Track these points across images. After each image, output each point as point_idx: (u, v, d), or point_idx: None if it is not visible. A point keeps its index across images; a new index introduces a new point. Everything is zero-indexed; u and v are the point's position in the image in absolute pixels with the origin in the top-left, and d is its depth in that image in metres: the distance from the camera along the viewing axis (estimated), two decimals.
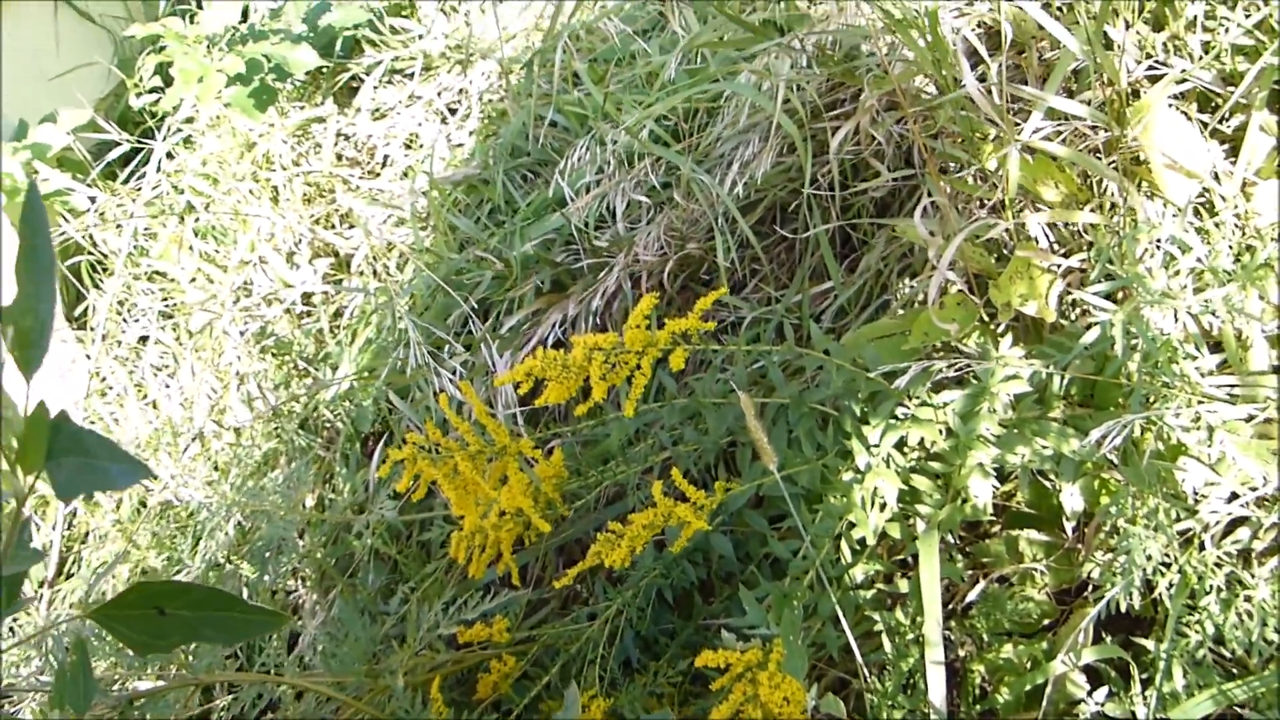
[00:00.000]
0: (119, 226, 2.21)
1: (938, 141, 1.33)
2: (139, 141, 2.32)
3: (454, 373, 1.45)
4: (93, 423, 2.05)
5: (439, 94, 2.17)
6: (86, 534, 2.00)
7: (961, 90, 1.09)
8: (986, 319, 1.30)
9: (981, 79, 1.40)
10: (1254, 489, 1.14)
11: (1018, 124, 1.21)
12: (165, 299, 2.16)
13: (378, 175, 2.18)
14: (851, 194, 1.50)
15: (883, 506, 1.24)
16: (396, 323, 1.64)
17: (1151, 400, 1.15)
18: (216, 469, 1.77)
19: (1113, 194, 1.20)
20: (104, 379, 2.12)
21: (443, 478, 1.16)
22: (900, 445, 1.27)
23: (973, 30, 1.25)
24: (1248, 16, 1.15)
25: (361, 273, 1.98)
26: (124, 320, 2.16)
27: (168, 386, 2.02)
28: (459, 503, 1.17)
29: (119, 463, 0.55)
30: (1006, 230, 1.20)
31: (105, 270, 2.27)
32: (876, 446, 1.24)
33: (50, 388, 2.24)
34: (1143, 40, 1.25)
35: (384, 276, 1.93)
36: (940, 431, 1.24)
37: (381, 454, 1.56)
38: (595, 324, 1.56)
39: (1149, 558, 1.17)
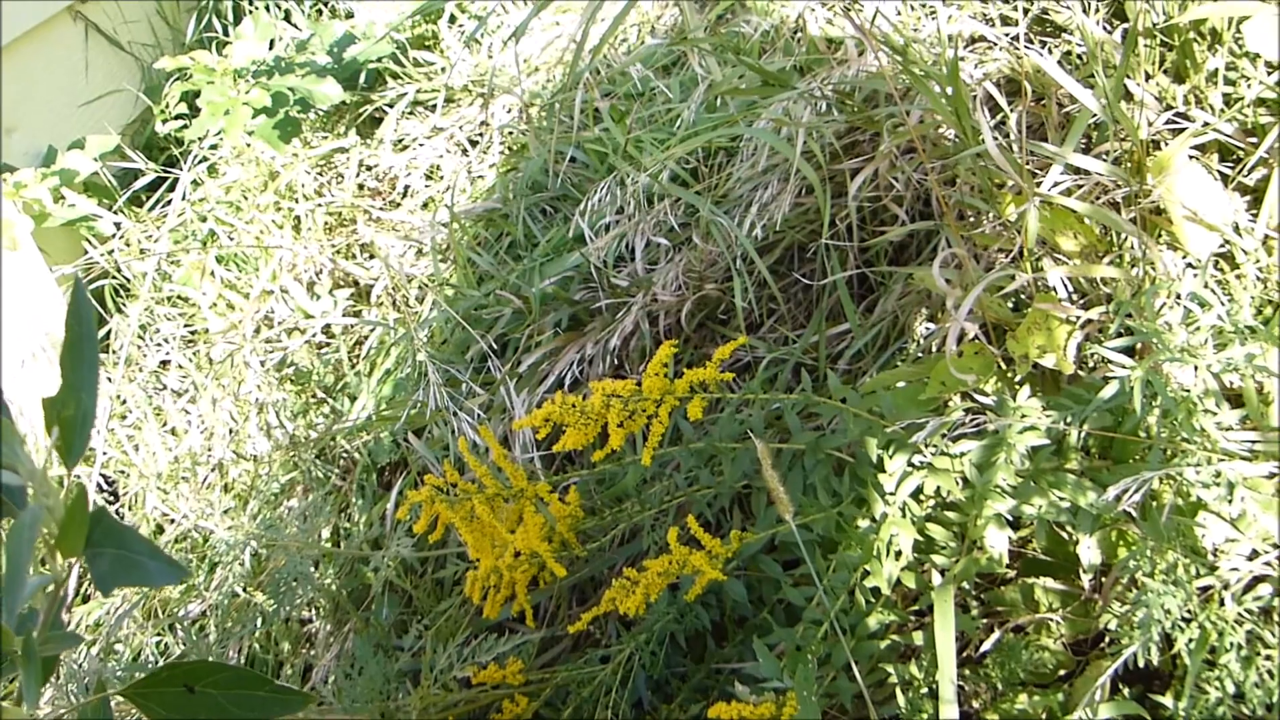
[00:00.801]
0: (143, 252, 2.24)
1: (955, 189, 1.33)
2: (164, 171, 2.35)
3: (472, 414, 1.45)
4: (108, 449, 2.07)
5: (460, 126, 2.19)
6: None
7: (980, 146, 1.10)
8: (1004, 368, 1.30)
9: (1001, 124, 1.40)
10: (1275, 546, 1.13)
11: (1036, 175, 1.21)
12: (187, 324, 2.18)
13: (398, 205, 2.19)
14: (869, 236, 1.51)
15: (898, 555, 1.23)
16: (415, 355, 1.65)
17: (1171, 455, 1.14)
18: (235, 496, 1.78)
19: (1132, 246, 1.20)
20: (124, 402, 2.14)
21: (460, 521, 1.16)
22: (916, 494, 1.27)
23: (991, 81, 1.26)
24: (1270, 73, 1.15)
25: (381, 303, 1.99)
26: (145, 344, 2.18)
27: (187, 413, 2.04)
28: (476, 546, 1.17)
29: (157, 561, 0.56)
30: (1025, 281, 1.20)
31: (129, 294, 2.30)
32: (892, 495, 1.24)
33: None
34: (1163, 91, 1.25)
35: (403, 308, 1.95)
36: (957, 481, 1.24)
37: (400, 490, 1.57)
38: (612, 363, 1.57)
39: (1168, 612, 1.16)
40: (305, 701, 0.59)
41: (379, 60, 2.30)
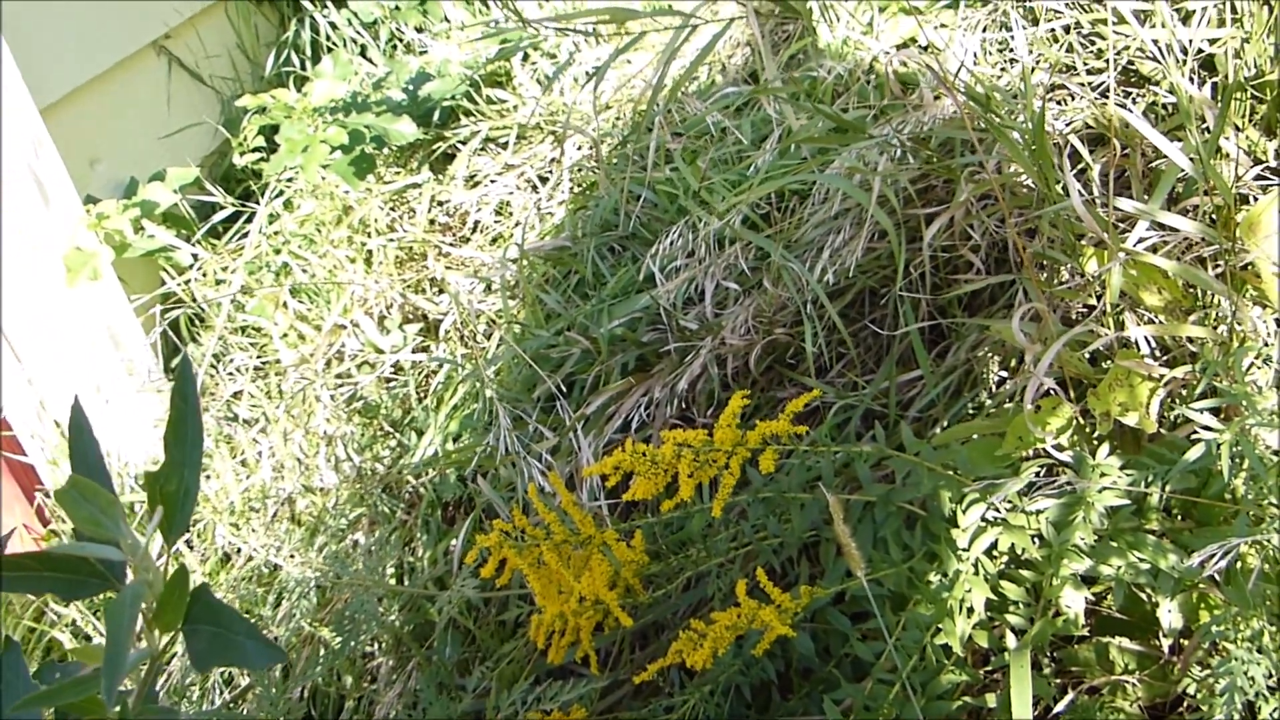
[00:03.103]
0: (219, 283, 2.29)
1: (1035, 240, 1.31)
2: (241, 205, 2.40)
3: (539, 458, 1.46)
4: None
5: (531, 164, 2.21)
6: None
7: (1065, 201, 1.08)
8: (1083, 424, 1.27)
9: (1081, 174, 1.38)
10: None
11: (1120, 228, 1.19)
12: (259, 355, 2.22)
13: (468, 241, 2.22)
14: (943, 284, 1.49)
15: (970, 613, 1.21)
16: (484, 393, 1.66)
17: (1258, 521, 1.11)
18: (303, 529, 1.81)
19: (1220, 304, 1.17)
20: None
21: (527, 567, 1.16)
22: (990, 551, 1.25)
23: (1074, 132, 1.24)
24: None
25: (449, 339, 2.01)
26: (217, 374, 2.23)
27: (257, 443, 2.08)
28: (542, 592, 1.17)
29: (254, 641, 0.57)
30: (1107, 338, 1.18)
31: (203, 325, 2.35)
32: (966, 551, 1.22)
33: (145, 439, 2.32)
34: (1253, 145, 1.23)
35: (471, 344, 1.96)
36: (1032, 539, 1.21)
37: (467, 529, 1.58)
38: (679, 406, 1.57)
39: (1252, 680, 1.12)
40: None
41: (453, 98, 2.34)
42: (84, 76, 2.36)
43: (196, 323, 2.37)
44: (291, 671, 1.57)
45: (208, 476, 2.04)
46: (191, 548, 1.94)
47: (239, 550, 1.83)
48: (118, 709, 0.54)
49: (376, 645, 1.72)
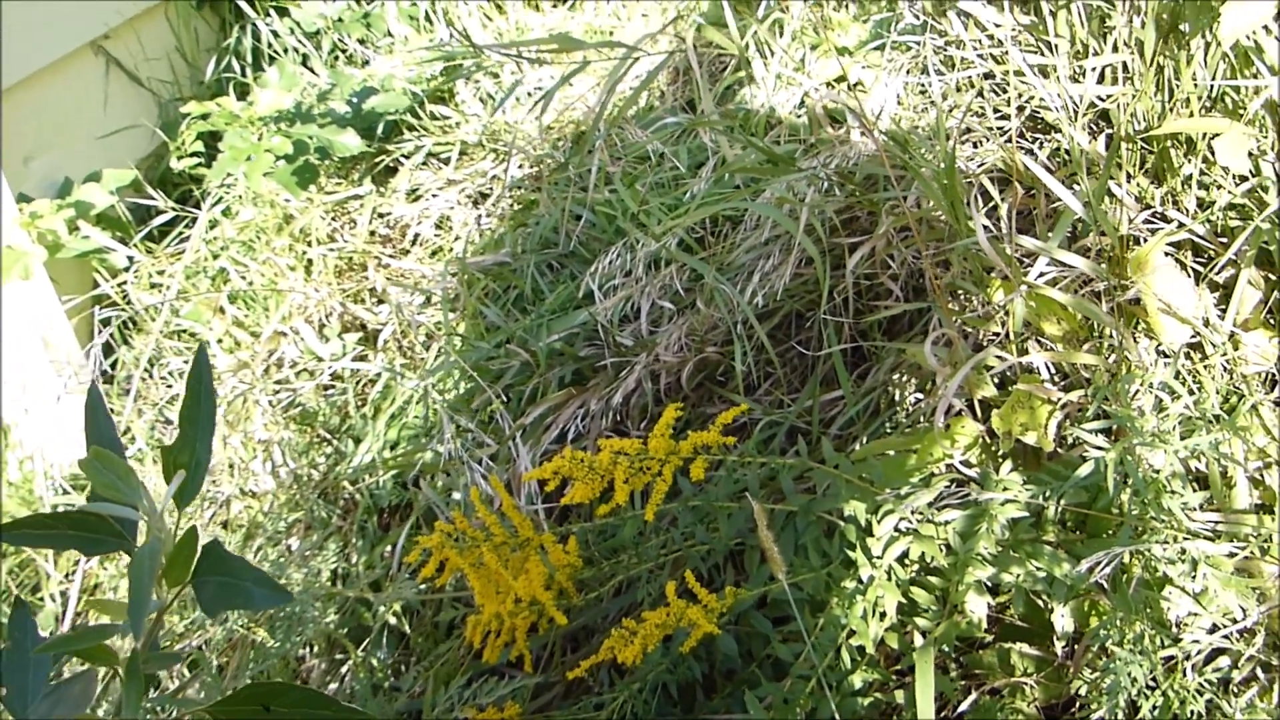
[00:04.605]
0: (155, 287, 2.30)
1: (948, 271, 1.42)
2: (182, 210, 2.41)
3: (479, 463, 1.52)
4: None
5: (472, 180, 2.27)
6: (95, 587, 2.04)
7: (973, 238, 1.18)
8: (988, 442, 1.38)
9: (992, 211, 1.49)
10: (1234, 621, 1.21)
11: (1024, 262, 1.30)
12: (189, 360, 2.23)
13: (408, 253, 2.27)
14: (864, 310, 1.59)
15: (882, 616, 1.30)
16: (427, 402, 1.71)
17: (1140, 532, 1.22)
18: (240, 534, 1.83)
19: (1111, 335, 1.28)
20: (128, 433, 2.19)
21: (468, 567, 1.22)
22: (902, 558, 1.34)
23: (984, 173, 1.35)
24: (1238, 184, 1.25)
25: (388, 348, 2.06)
26: (151, 377, 2.23)
27: None
28: (482, 591, 1.23)
29: (262, 587, 0.62)
30: (1010, 363, 1.29)
31: (137, 329, 2.35)
32: (879, 559, 1.31)
33: (73, 440, 2.31)
34: (1142, 192, 1.35)
35: (410, 354, 2.01)
36: (941, 548, 1.31)
37: (405, 534, 1.62)
38: (614, 418, 1.64)
39: (1134, 680, 1.23)
40: None
41: (397, 112, 2.38)
42: (20, 73, 2.35)
43: (129, 327, 2.37)
44: (225, 672, 1.59)
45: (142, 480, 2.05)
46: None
47: None
48: (125, 658, 0.60)
49: (309, 648, 1.74)
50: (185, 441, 0.66)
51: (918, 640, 1.31)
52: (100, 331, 2.25)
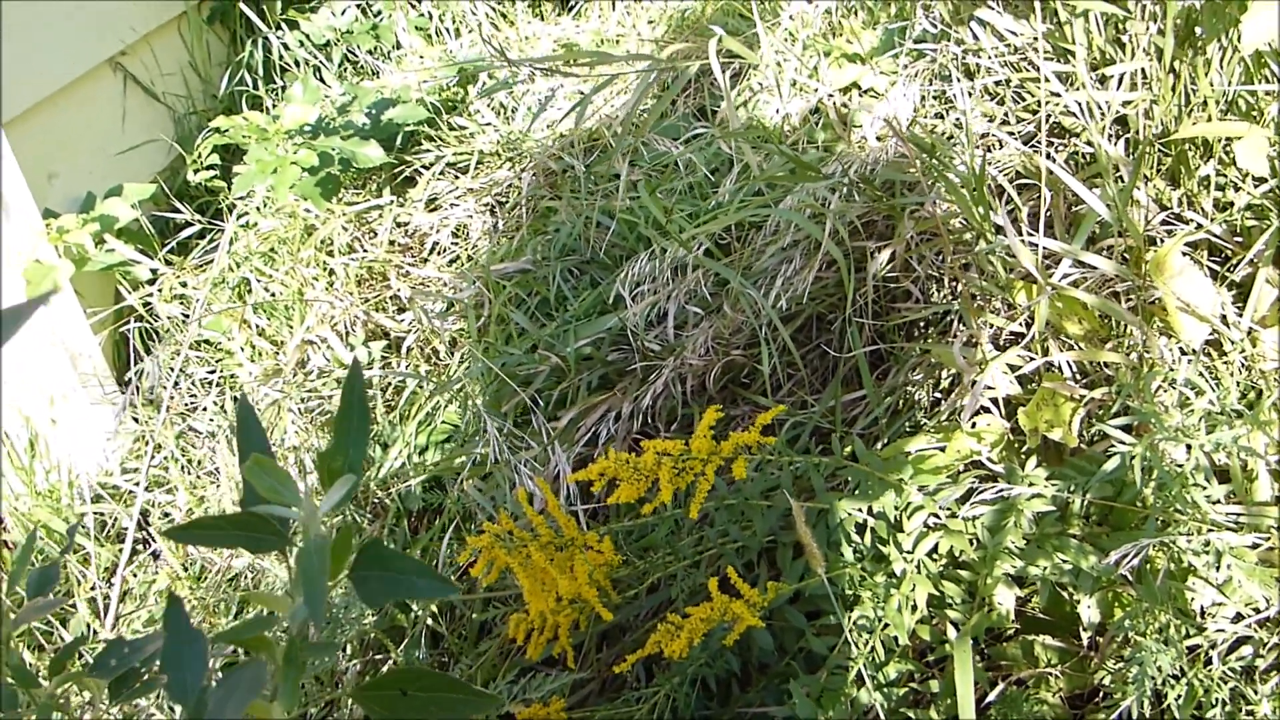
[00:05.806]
0: (180, 298, 2.33)
1: (971, 272, 1.46)
2: (209, 223, 2.45)
3: (524, 464, 1.56)
4: (136, 485, 2.14)
5: (489, 189, 2.31)
6: (126, 593, 2.07)
7: (1002, 240, 1.23)
8: (1013, 440, 1.42)
9: (1012, 214, 1.54)
10: (1257, 610, 1.25)
11: (1046, 264, 1.34)
12: (211, 370, 2.27)
13: (426, 261, 2.30)
14: (885, 312, 1.63)
15: (914, 609, 1.34)
16: (468, 408, 1.75)
17: (1165, 525, 1.26)
18: None
19: (1133, 334, 1.33)
20: (148, 442, 2.22)
21: (517, 565, 1.26)
22: (932, 553, 1.38)
23: (1005, 177, 1.39)
24: (1257, 185, 1.29)
25: (412, 355, 2.09)
26: (177, 387, 2.26)
27: (214, 451, 2.12)
28: (530, 590, 1.26)
29: (425, 578, 0.67)
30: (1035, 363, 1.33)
31: (157, 339, 2.38)
32: (910, 554, 1.35)
33: (98, 451, 2.34)
34: (1160, 194, 1.39)
35: (434, 361, 2.04)
36: (970, 542, 1.35)
37: (445, 537, 1.66)
38: (643, 421, 1.67)
39: (1160, 670, 1.27)
40: (495, 703, 0.70)
41: (415, 124, 2.42)
42: (44, 92, 2.38)
43: (153, 337, 2.40)
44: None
45: (169, 491, 2.08)
46: (157, 558, 1.97)
47: (213, 564, 1.87)
48: (284, 646, 0.64)
49: (341, 653, 1.77)
50: (338, 448, 0.71)
51: (950, 632, 1.35)
52: (125, 344, 2.28)
